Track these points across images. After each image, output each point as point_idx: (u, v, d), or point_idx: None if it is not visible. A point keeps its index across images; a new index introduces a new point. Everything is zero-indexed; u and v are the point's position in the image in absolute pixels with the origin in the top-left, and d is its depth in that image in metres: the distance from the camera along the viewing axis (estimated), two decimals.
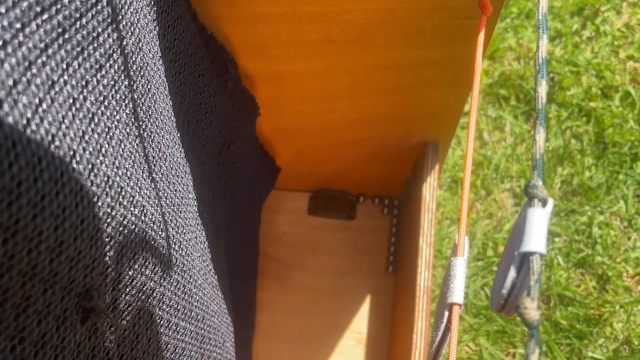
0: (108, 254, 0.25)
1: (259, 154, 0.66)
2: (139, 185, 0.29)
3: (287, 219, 0.81)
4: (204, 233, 0.42)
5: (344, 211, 0.80)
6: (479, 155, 1.04)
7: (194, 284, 0.38)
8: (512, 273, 0.22)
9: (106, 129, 0.26)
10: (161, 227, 0.32)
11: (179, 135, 0.38)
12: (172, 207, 0.35)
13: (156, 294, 0.31)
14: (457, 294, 0.31)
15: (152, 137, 0.32)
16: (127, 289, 0.28)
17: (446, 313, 0.32)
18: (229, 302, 0.53)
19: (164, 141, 0.34)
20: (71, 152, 0.22)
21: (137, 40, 0.30)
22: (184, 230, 0.37)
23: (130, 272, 0.28)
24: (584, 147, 1.04)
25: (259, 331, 0.78)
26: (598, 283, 0.97)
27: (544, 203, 0.22)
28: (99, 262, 0.25)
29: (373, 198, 0.81)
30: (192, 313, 0.38)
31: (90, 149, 0.24)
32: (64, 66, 0.23)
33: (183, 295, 0.36)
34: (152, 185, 0.31)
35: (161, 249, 0.32)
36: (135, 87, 0.30)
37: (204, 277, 0.40)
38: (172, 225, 0.35)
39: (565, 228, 0.99)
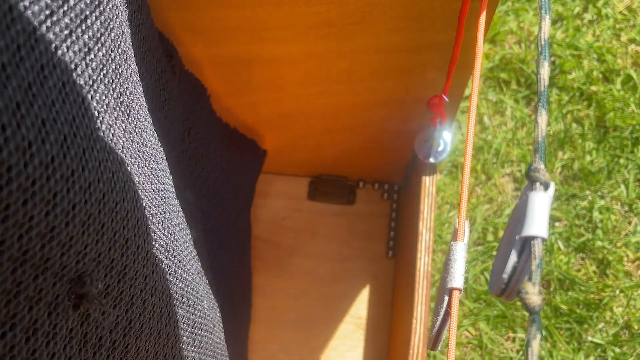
0: (101, 240, 0.25)
1: (228, 137, 0.65)
2: (130, 170, 0.29)
3: (286, 204, 0.81)
4: (184, 220, 0.42)
5: (343, 196, 0.80)
6: (479, 139, 1.04)
7: (183, 269, 0.38)
8: (513, 257, 0.22)
9: (96, 113, 0.26)
10: (152, 212, 0.32)
11: (151, 121, 0.38)
12: (158, 193, 0.35)
13: (149, 280, 0.31)
14: (457, 279, 0.31)
15: (136, 123, 0.32)
16: (120, 275, 0.28)
17: (446, 298, 0.32)
18: (214, 288, 0.53)
19: (143, 127, 0.34)
20: (62, 137, 0.22)
21: (121, 24, 0.30)
22: (171, 216, 0.36)
23: (123, 259, 0.27)
24: (585, 131, 1.04)
25: (258, 316, 0.78)
26: (598, 267, 0.97)
27: (545, 187, 0.21)
28: (92, 249, 0.24)
29: (373, 183, 0.80)
30: (184, 298, 0.38)
31: (82, 133, 0.23)
32: (53, 49, 0.22)
33: (174, 281, 0.36)
34: (140, 171, 0.31)
35: (153, 234, 0.32)
36: (120, 72, 0.29)
37: (190, 263, 0.40)
38: (161, 210, 0.34)
39: (566, 212, 0.99)
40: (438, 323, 0.32)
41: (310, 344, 0.78)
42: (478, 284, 0.96)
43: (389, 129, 0.67)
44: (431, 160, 0.62)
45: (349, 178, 0.80)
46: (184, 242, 0.40)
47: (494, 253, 0.97)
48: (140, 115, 0.33)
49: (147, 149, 0.34)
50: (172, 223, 0.37)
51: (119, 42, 0.29)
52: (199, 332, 0.42)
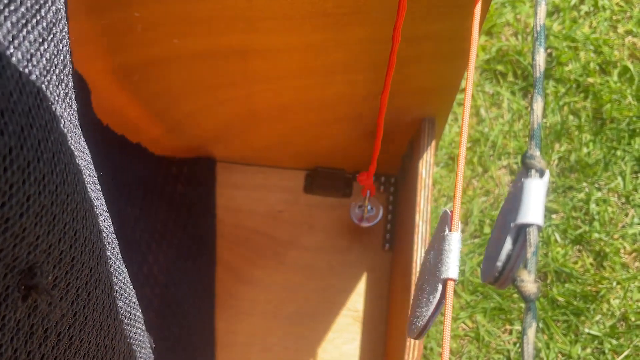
0: (52, 232, 0.25)
1: (112, 138, 0.65)
2: (80, 163, 0.29)
3: (282, 197, 0.81)
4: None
5: (340, 189, 0.80)
6: (476, 131, 1.04)
7: (120, 260, 0.38)
8: (507, 245, 0.21)
9: (51, 104, 0.25)
10: (95, 204, 0.32)
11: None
12: (96, 185, 0.35)
13: (93, 272, 0.31)
14: (452, 269, 0.31)
15: (76, 114, 0.32)
16: (68, 267, 0.28)
17: (439, 287, 0.31)
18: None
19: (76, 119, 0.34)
20: (19, 128, 0.22)
21: (66, 12, 0.30)
22: (104, 209, 0.37)
23: (71, 251, 0.27)
24: (582, 123, 1.03)
25: (255, 309, 0.78)
26: (595, 260, 0.97)
27: (541, 174, 0.21)
28: (43, 240, 0.24)
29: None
30: (122, 290, 0.38)
31: (38, 124, 0.23)
32: (10, 38, 0.22)
33: (115, 274, 0.36)
34: (84, 163, 0.31)
35: (98, 226, 0.32)
36: (66, 63, 0.29)
37: (119, 255, 0.40)
38: (100, 202, 0.34)
39: (563, 205, 0.99)
40: (429, 313, 0.31)
41: (307, 336, 0.77)
42: (475, 276, 0.96)
43: (386, 121, 0.66)
44: (364, 224, 0.75)
45: (345, 170, 0.80)
46: (112, 233, 0.40)
47: None
48: (76, 106, 0.33)
49: (81, 140, 0.34)
50: (108, 216, 0.37)
51: (64, 33, 0.29)
52: (135, 324, 0.42)
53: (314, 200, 0.81)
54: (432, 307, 0.32)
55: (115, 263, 0.36)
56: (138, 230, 0.68)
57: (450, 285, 0.31)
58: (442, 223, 0.34)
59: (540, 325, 0.93)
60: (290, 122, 0.69)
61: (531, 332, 0.18)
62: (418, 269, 0.60)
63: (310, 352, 0.77)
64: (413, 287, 0.60)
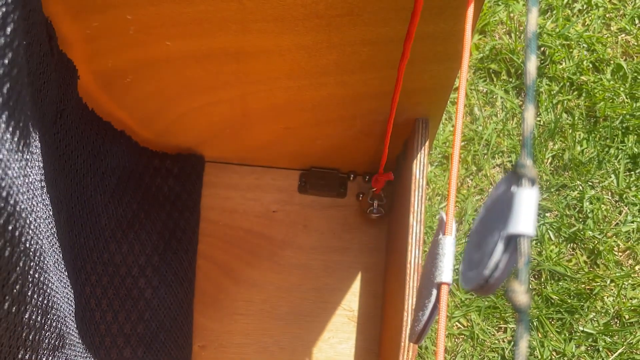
0: None
1: (96, 123, 0.64)
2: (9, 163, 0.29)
3: (277, 197, 0.81)
4: (50, 213, 0.43)
5: (334, 189, 0.80)
6: (469, 130, 1.04)
7: (40, 257, 0.38)
8: (497, 254, 0.21)
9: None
10: (22, 207, 0.32)
11: (30, 106, 0.38)
12: (30, 186, 0.35)
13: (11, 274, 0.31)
14: (445, 274, 0.31)
15: (25, 111, 0.32)
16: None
17: (434, 292, 0.31)
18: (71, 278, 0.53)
19: (29, 113, 0.34)
20: None
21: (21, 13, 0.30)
22: (38, 209, 0.37)
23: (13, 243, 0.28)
24: (575, 121, 1.04)
25: (250, 309, 0.78)
26: (589, 258, 0.97)
27: (532, 183, 0.21)
28: None
29: (364, 175, 0.80)
30: (41, 290, 0.39)
31: None
32: None
33: (21, 272, 0.36)
34: (53, 167, 0.32)
35: (22, 230, 0.32)
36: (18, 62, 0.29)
37: (50, 256, 0.41)
38: (39, 201, 0.35)
39: (557, 203, 0.99)
40: (425, 317, 0.31)
41: (302, 336, 0.77)
42: None
43: (379, 121, 0.66)
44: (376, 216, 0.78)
45: (339, 170, 0.80)
46: (48, 236, 0.40)
47: None
48: (26, 100, 0.33)
49: (34, 136, 0.34)
50: (39, 216, 0.37)
51: (18, 32, 0.29)
52: (49, 326, 0.43)
53: (308, 200, 0.81)
54: (427, 312, 0.32)
55: (32, 261, 0.36)
56: (105, 218, 0.67)
57: (444, 290, 0.31)
58: (440, 228, 0.34)
59: (535, 323, 0.94)
60: (284, 123, 0.69)
61: (523, 344, 0.18)
62: (412, 269, 0.60)
63: (306, 351, 0.77)
64: (407, 287, 0.60)
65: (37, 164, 0.38)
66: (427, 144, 0.64)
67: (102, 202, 0.66)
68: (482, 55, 1.08)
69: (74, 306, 0.53)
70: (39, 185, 0.38)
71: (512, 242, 0.21)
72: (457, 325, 0.94)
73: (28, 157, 0.34)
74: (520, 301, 0.19)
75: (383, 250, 0.79)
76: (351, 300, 0.78)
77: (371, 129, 0.69)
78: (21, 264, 0.33)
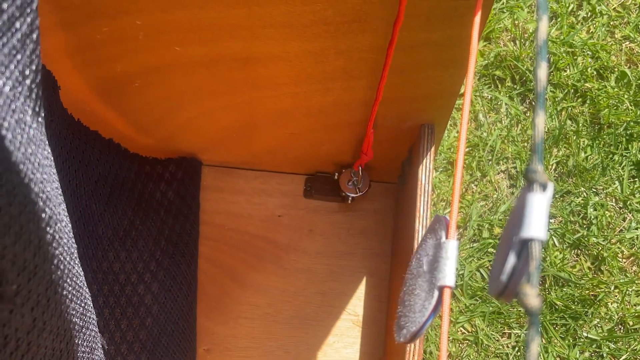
0: (18, 241, 0.25)
1: (83, 132, 0.64)
2: (45, 171, 0.29)
3: (282, 202, 0.81)
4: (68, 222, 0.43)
5: (339, 193, 0.80)
6: (474, 136, 1.04)
7: (78, 264, 0.38)
8: (511, 259, 0.22)
9: (21, 115, 0.26)
10: (57, 210, 0.32)
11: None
12: (58, 190, 0.35)
13: (54, 278, 0.31)
14: (449, 277, 0.31)
15: (43, 122, 0.32)
16: (31, 275, 0.28)
17: (436, 294, 0.32)
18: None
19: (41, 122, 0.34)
20: None
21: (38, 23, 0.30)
22: (66, 214, 0.37)
23: (35, 259, 0.28)
24: (580, 128, 1.04)
25: (255, 313, 0.78)
26: (593, 264, 0.98)
27: (543, 188, 0.21)
28: (10, 250, 0.25)
29: (370, 181, 0.81)
30: (81, 296, 0.39)
31: (10, 135, 0.24)
32: None
33: (73, 278, 0.36)
34: (49, 171, 0.32)
35: (57, 234, 0.32)
36: (37, 71, 0.30)
37: (77, 259, 0.41)
38: (62, 208, 0.35)
39: (561, 209, 0.99)
40: (423, 319, 0.32)
41: (307, 340, 0.78)
42: (474, 280, 0.96)
43: (385, 127, 0.67)
44: (356, 195, 0.77)
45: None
46: (72, 244, 0.40)
47: (490, 250, 0.97)
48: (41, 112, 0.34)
49: (48, 148, 0.34)
50: (69, 220, 0.37)
51: (37, 42, 0.30)
52: (89, 326, 0.43)
53: (313, 205, 0.81)
54: (427, 313, 0.32)
55: (73, 268, 0.37)
56: (102, 226, 0.67)
57: (447, 293, 0.32)
58: (433, 227, 0.34)
59: (539, 329, 0.94)
60: (290, 128, 0.69)
61: (534, 346, 0.18)
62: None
63: (311, 355, 0.78)
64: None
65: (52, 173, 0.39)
66: (432, 149, 0.65)
67: (97, 211, 0.66)
68: (487, 62, 1.08)
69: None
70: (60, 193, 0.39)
71: (525, 246, 0.21)
72: (461, 331, 0.95)
73: (47, 162, 0.35)
74: (532, 304, 0.19)
75: (388, 255, 0.79)
76: (356, 304, 0.78)
77: (377, 134, 0.69)
78: (61, 267, 0.33)
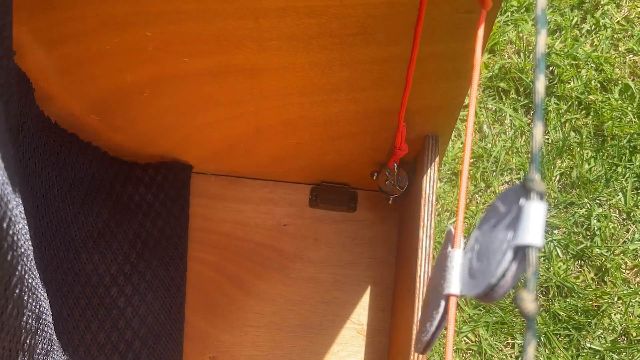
0: None
1: (60, 135, 0.64)
2: (4, 174, 0.30)
3: (288, 211, 0.82)
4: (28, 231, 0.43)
5: (344, 203, 0.81)
6: (478, 147, 1.05)
7: (33, 265, 0.39)
8: (504, 262, 0.22)
9: None
10: (16, 212, 0.33)
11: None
12: (15, 194, 0.36)
13: (12, 279, 0.32)
14: (454, 286, 0.32)
15: (3, 117, 0.33)
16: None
17: (442, 303, 0.32)
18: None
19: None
20: None
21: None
22: (22, 216, 0.38)
23: (19, 268, 0.29)
24: (583, 140, 1.05)
25: (260, 321, 0.78)
26: (596, 275, 0.98)
27: (541, 196, 0.22)
28: None
29: (374, 190, 0.81)
30: (36, 296, 0.39)
31: None
32: None
33: (27, 277, 0.37)
34: (12, 173, 0.32)
35: (20, 235, 0.33)
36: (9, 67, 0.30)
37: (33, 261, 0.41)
38: (19, 210, 0.35)
39: (564, 220, 1.00)
40: (433, 328, 0.32)
41: (312, 349, 0.78)
42: None
43: (390, 137, 0.68)
44: (396, 193, 0.73)
45: (350, 185, 0.81)
46: (29, 246, 0.41)
47: None
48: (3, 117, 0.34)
49: (8, 146, 0.35)
50: (21, 226, 0.38)
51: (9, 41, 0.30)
52: (45, 329, 0.43)
53: (319, 214, 0.82)
54: (435, 323, 0.33)
55: (30, 270, 0.37)
56: (75, 228, 0.67)
57: (452, 301, 0.32)
58: (447, 241, 0.35)
59: (542, 339, 0.94)
60: (296, 138, 0.70)
61: (531, 349, 0.19)
62: (422, 283, 0.61)
63: None
64: (416, 301, 0.61)
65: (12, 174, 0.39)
66: (436, 160, 0.65)
67: (71, 213, 0.65)
68: (491, 73, 1.09)
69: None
70: (19, 194, 0.39)
71: (520, 252, 0.22)
72: (465, 340, 0.95)
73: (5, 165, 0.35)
74: (529, 309, 0.20)
75: (392, 265, 0.80)
76: (360, 313, 0.79)
77: (381, 145, 0.70)
78: (19, 268, 0.34)
